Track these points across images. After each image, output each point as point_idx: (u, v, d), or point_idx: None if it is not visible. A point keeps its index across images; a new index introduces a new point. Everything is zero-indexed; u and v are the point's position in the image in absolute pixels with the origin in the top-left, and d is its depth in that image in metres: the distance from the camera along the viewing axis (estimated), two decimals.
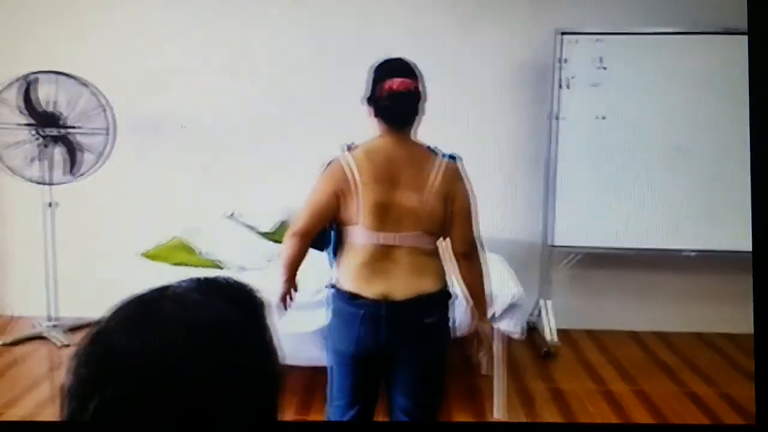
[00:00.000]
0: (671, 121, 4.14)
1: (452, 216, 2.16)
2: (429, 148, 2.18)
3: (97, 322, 0.72)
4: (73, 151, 4.02)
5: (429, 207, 2.10)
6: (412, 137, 2.18)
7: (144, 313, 0.72)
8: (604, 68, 4.12)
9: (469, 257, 2.23)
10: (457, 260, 2.22)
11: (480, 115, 4.31)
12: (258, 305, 0.79)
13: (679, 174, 4.14)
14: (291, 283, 2.26)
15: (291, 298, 2.29)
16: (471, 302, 2.29)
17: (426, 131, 2.23)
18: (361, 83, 2.15)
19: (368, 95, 2.12)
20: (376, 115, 2.13)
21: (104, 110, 4.01)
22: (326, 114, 4.24)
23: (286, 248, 2.20)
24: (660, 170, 4.15)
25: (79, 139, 4.01)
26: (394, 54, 2.19)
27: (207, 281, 0.78)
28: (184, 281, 0.77)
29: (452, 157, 2.16)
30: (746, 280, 4.56)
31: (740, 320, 4.46)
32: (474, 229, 2.23)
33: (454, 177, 2.15)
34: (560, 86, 4.15)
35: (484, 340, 2.37)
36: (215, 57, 4.42)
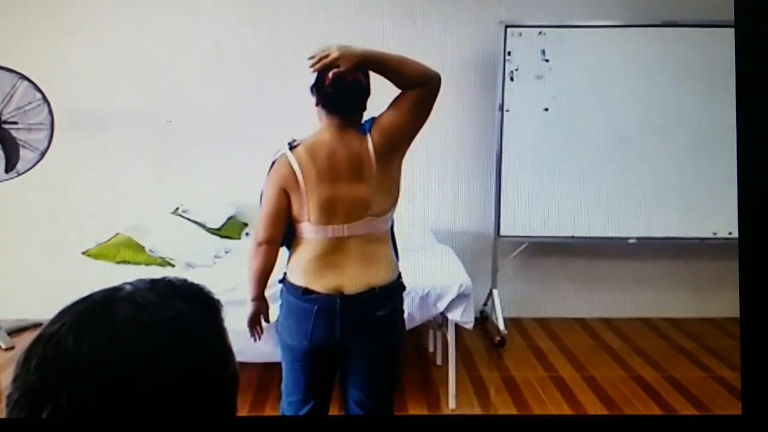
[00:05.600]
0: (613, 112, 4.21)
1: (402, 121, 2.06)
2: (360, 128, 2.10)
3: (46, 326, 0.68)
4: (8, 148, 3.87)
5: (377, 185, 2.07)
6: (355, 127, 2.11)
7: (97, 314, 0.69)
8: (547, 61, 4.18)
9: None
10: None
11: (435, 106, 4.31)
12: (214, 305, 0.77)
13: (620, 164, 4.23)
14: (261, 302, 2.20)
15: (266, 320, 2.24)
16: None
17: None
18: (307, 77, 2.11)
19: (314, 83, 2.08)
20: (320, 104, 2.09)
21: (44, 105, 3.87)
22: (274, 108, 4.20)
23: (254, 260, 2.13)
24: (602, 161, 4.23)
25: (16, 135, 3.86)
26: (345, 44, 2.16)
27: (162, 282, 0.75)
28: (138, 282, 0.74)
29: (371, 120, 2.11)
30: (686, 265, 4.74)
31: (682, 305, 4.62)
32: (404, 94, 2.07)
33: (377, 124, 2.07)
34: (506, 79, 4.19)
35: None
36: (161, 52, 4.32)
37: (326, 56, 2.00)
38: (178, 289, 0.75)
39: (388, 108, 2.09)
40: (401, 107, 2.06)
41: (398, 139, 2.09)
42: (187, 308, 0.72)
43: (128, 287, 0.72)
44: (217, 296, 0.79)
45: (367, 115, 2.12)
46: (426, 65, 2.07)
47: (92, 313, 0.69)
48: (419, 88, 2.04)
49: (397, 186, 2.15)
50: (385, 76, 2.04)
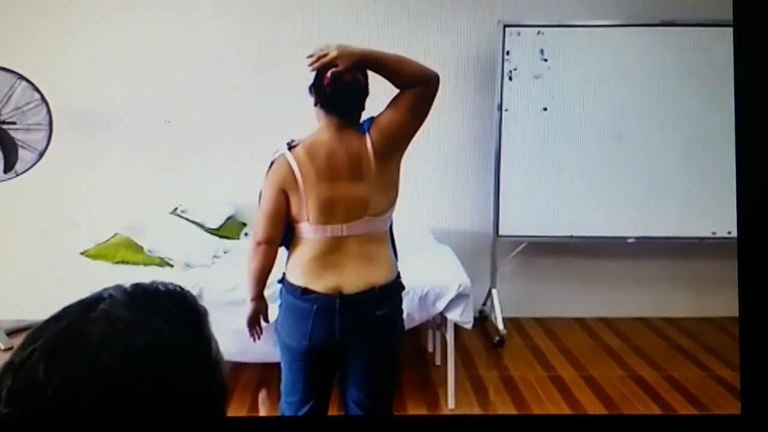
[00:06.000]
0: (611, 112, 4.22)
1: (401, 121, 2.05)
2: (359, 127, 2.10)
3: (16, 350, 0.65)
4: (7, 149, 3.86)
5: (376, 184, 2.07)
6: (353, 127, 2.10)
7: (69, 340, 0.64)
8: (546, 60, 4.18)
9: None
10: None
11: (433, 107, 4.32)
12: (197, 315, 0.72)
13: (619, 164, 4.23)
14: (260, 302, 2.21)
15: (266, 320, 2.24)
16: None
17: None
18: (306, 77, 2.11)
19: (312, 83, 2.08)
20: (319, 104, 2.08)
21: (43, 105, 3.86)
22: (273, 108, 4.21)
23: (253, 259, 2.13)
24: (601, 160, 4.23)
25: (14, 135, 3.86)
26: None
27: (140, 292, 0.70)
28: (115, 292, 0.69)
29: (369, 119, 2.11)
30: (685, 265, 4.74)
31: (681, 305, 4.63)
32: (402, 93, 2.06)
33: (375, 124, 2.07)
34: (504, 78, 4.19)
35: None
36: (159, 52, 4.31)
37: (325, 55, 1.99)
38: (157, 301, 0.70)
39: (387, 107, 2.09)
40: (400, 107, 2.06)
41: (397, 139, 2.09)
42: (166, 326, 0.67)
43: (103, 304, 0.67)
44: (208, 299, 0.75)
45: (365, 115, 2.12)
46: (424, 65, 2.07)
47: (64, 339, 0.64)
48: (417, 88, 2.04)
49: (396, 185, 2.15)
50: (384, 76, 2.04)
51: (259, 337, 2.24)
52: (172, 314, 0.69)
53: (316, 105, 2.10)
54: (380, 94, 2.13)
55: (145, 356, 0.64)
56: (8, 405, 0.62)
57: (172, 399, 0.65)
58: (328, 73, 2.02)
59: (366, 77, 2.08)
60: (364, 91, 2.09)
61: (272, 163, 2.09)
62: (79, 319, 0.66)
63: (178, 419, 0.65)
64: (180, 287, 0.74)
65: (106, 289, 0.70)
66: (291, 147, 2.08)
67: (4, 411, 0.61)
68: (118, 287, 0.71)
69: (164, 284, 0.73)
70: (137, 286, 0.71)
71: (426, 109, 2.09)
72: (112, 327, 0.65)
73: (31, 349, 0.64)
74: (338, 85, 2.03)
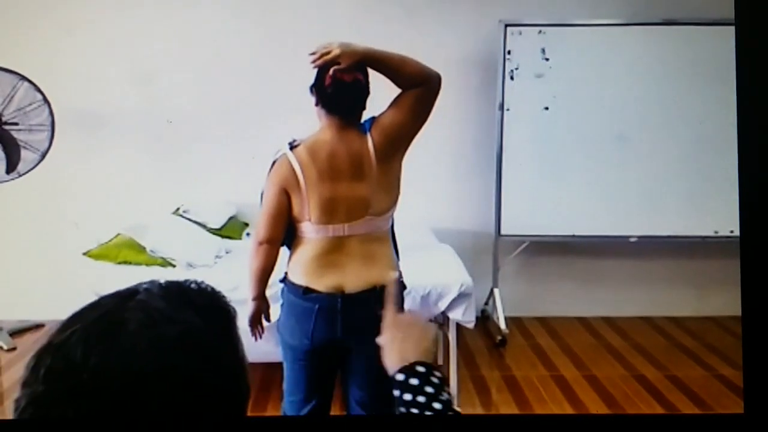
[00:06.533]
0: (613, 111, 4.21)
1: (402, 121, 2.06)
2: (360, 127, 2.11)
3: (56, 332, 0.67)
4: (9, 149, 3.86)
5: (377, 184, 2.07)
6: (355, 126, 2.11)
7: (107, 325, 0.66)
8: (547, 59, 4.18)
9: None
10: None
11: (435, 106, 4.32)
12: (227, 315, 0.75)
13: (621, 162, 4.23)
14: (262, 302, 2.21)
15: (267, 319, 2.25)
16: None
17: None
18: (308, 76, 2.11)
19: (314, 84, 2.09)
20: (321, 104, 2.09)
21: (45, 106, 3.86)
22: (274, 108, 4.20)
23: (255, 259, 2.13)
24: (603, 159, 4.23)
25: (16, 136, 3.86)
26: None
27: (175, 288, 0.73)
28: (150, 285, 0.72)
29: (371, 119, 2.11)
30: (688, 264, 4.73)
31: (684, 304, 4.62)
32: (404, 94, 2.07)
33: (377, 124, 2.07)
34: (506, 77, 4.19)
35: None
36: (161, 52, 4.32)
37: (327, 53, 1.99)
38: (191, 297, 0.72)
39: (389, 107, 2.09)
40: (401, 107, 2.06)
41: (398, 139, 2.09)
42: (199, 321, 0.69)
43: (140, 295, 0.70)
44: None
45: (367, 114, 2.12)
46: (426, 65, 2.07)
47: (102, 324, 0.67)
48: (419, 88, 2.04)
49: (398, 185, 2.15)
50: (386, 75, 2.04)
51: (260, 337, 2.24)
52: (205, 310, 0.71)
53: (317, 105, 2.10)
54: (381, 93, 2.13)
55: (179, 347, 0.66)
56: (45, 383, 0.63)
57: (201, 391, 0.66)
58: (329, 73, 2.02)
59: (367, 76, 2.08)
60: (365, 91, 2.09)
61: (274, 163, 2.10)
62: (117, 308, 0.68)
63: (204, 412, 0.66)
64: (212, 287, 0.76)
65: (141, 284, 0.72)
66: (292, 147, 2.08)
67: (40, 388, 0.63)
68: (153, 282, 0.73)
69: (196, 282, 0.75)
70: (171, 282, 0.74)
71: (427, 110, 2.09)
72: (149, 317, 0.67)
73: (70, 331, 0.66)
74: (339, 86, 2.03)
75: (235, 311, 0.76)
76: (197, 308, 0.71)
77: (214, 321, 0.72)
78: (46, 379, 0.63)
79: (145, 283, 0.73)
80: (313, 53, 2.01)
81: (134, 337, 0.65)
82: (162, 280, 0.74)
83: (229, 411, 0.70)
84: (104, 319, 0.67)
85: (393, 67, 2.03)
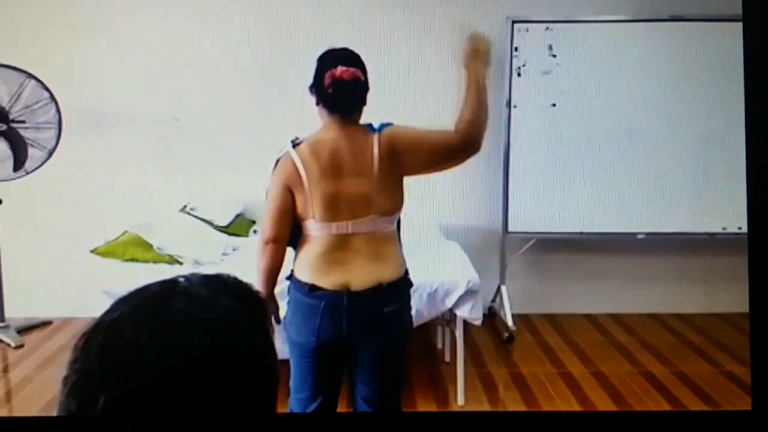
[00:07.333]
0: (621, 107, 4.19)
1: (421, 157, 2.09)
2: (367, 127, 2.13)
3: (105, 313, 0.71)
4: (16, 147, 3.88)
5: (379, 186, 2.07)
6: (357, 123, 2.13)
7: (155, 306, 0.71)
8: (554, 56, 4.16)
9: (467, 136, 2.12)
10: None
11: (436, 103, 4.31)
12: (261, 306, 0.80)
13: (629, 159, 4.21)
14: (271, 302, 2.21)
15: (277, 321, 2.24)
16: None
17: (381, 121, 2.21)
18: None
19: (313, 84, 2.09)
20: (321, 104, 2.09)
21: (52, 104, 3.87)
22: (281, 106, 4.20)
23: (262, 259, 2.13)
24: (610, 156, 4.21)
25: (24, 134, 3.88)
26: (347, 44, 2.16)
27: (214, 278, 0.77)
28: (192, 276, 0.76)
29: (387, 124, 2.13)
30: (695, 261, 4.72)
31: (692, 300, 4.61)
32: (443, 133, 2.12)
33: (391, 137, 2.09)
34: (513, 74, 4.18)
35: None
36: (168, 50, 4.32)
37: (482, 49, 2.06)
38: (229, 287, 0.77)
39: (417, 133, 2.10)
40: (431, 139, 2.10)
41: (403, 161, 2.09)
42: (238, 306, 0.74)
43: (183, 281, 0.74)
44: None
45: (367, 115, 2.12)
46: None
47: (150, 305, 0.71)
48: (465, 144, 2.09)
49: (401, 191, 2.15)
50: (467, 101, 2.12)
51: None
52: (242, 297, 0.76)
53: (317, 104, 2.11)
54: (381, 93, 2.13)
55: (221, 328, 0.71)
56: (97, 358, 0.67)
57: (241, 370, 0.70)
58: (328, 73, 2.03)
59: (365, 73, 2.10)
60: (365, 88, 2.10)
61: (277, 161, 2.11)
62: (164, 291, 0.73)
63: (242, 392, 0.70)
64: (245, 282, 0.80)
65: (180, 275, 0.77)
66: (295, 144, 2.09)
67: (92, 363, 0.67)
68: (193, 274, 0.78)
69: (231, 276, 0.79)
70: (209, 274, 0.78)
71: (445, 164, 2.12)
72: (193, 300, 0.72)
73: (120, 311, 0.70)
74: (340, 85, 2.04)
75: (266, 306, 0.81)
76: (236, 295, 0.75)
77: (251, 308, 0.76)
78: (98, 356, 0.67)
79: (184, 275, 0.77)
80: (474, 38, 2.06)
81: (181, 318, 0.69)
82: (201, 273, 0.78)
83: (264, 393, 0.74)
84: (153, 301, 0.72)
85: (479, 103, 2.12)
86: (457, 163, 2.14)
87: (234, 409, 0.68)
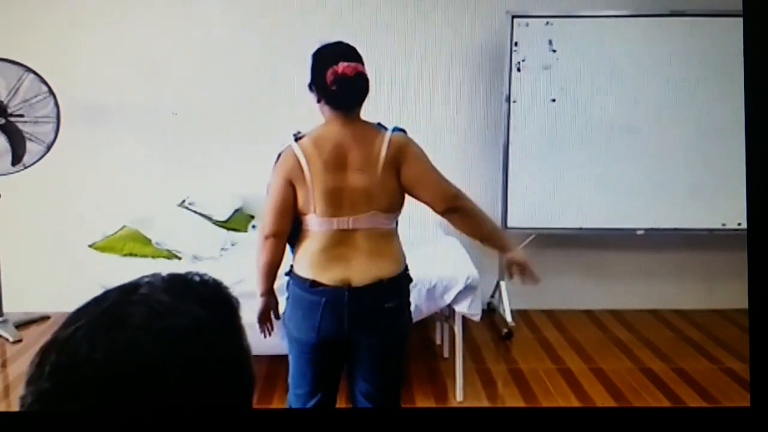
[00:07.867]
0: (620, 103, 4.18)
1: (413, 181, 2.11)
2: (376, 125, 2.14)
3: (60, 328, 0.67)
4: (15, 141, 3.87)
5: (381, 183, 2.07)
6: (359, 118, 2.13)
7: (111, 320, 0.66)
8: (554, 51, 4.15)
9: (456, 210, 2.16)
10: (447, 219, 2.19)
11: (436, 98, 4.31)
12: (231, 306, 0.75)
13: (628, 155, 4.20)
14: (271, 297, 2.21)
15: (277, 316, 2.25)
16: (487, 245, 2.31)
17: (382, 115, 2.21)
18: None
19: (312, 81, 2.08)
20: (325, 101, 2.08)
21: (50, 97, 3.86)
22: (281, 100, 4.20)
23: (262, 254, 2.12)
24: (610, 151, 4.20)
25: (22, 127, 3.87)
26: (349, 39, 2.15)
27: (178, 280, 0.73)
28: (154, 279, 0.72)
29: (400, 130, 2.13)
30: (695, 257, 4.71)
31: (691, 297, 4.61)
32: (445, 182, 2.15)
33: (402, 146, 2.10)
34: (513, 69, 4.17)
35: (522, 267, 2.28)
36: (167, 44, 4.31)
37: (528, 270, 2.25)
38: (194, 290, 0.73)
39: (424, 161, 2.13)
40: (425, 182, 2.12)
41: (403, 184, 2.11)
42: (203, 312, 0.69)
43: (143, 289, 0.70)
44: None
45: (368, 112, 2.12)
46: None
47: (106, 319, 0.67)
48: (448, 210, 2.16)
49: (402, 193, 2.14)
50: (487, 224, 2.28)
51: (270, 334, 2.24)
52: (208, 302, 0.71)
53: (319, 102, 2.10)
54: (382, 92, 2.12)
55: (183, 339, 0.66)
56: (50, 380, 0.63)
57: (207, 382, 0.67)
58: (331, 70, 2.01)
59: (363, 65, 2.09)
60: (367, 82, 2.09)
61: (279, 156, 2.10)
62: (121, 302, 0.68)
63: (210, 403, 0.66)
64: (214, 279, 0.76)
65: (143, 277, 0.72)
66: (297, 138, 2.09)
67: (46, 385, 0.63)
68: (156, 275, 0.73)
69: (199, 274, 0.75)
70: (174, 275, 0.73)
71: (417, 198, 2.15)
72: (152, 310, 0.67)
73: (74, 327, 0.66)
74: (343, 81, 2.03)
75: (238, 302, 0.76)
76: (201, 300, 0.71)
77: (218, 312, 0.72)
78: (52, 376, 0.63)
79: (147, 276, 0.72)
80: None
81: (139, 331, 0.65)
82: (165, 273, 0.73)
83: (236, 401, 0.70)
84: (108, 314, 0.67)
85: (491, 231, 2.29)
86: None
87: (202, 418, 0.66)
